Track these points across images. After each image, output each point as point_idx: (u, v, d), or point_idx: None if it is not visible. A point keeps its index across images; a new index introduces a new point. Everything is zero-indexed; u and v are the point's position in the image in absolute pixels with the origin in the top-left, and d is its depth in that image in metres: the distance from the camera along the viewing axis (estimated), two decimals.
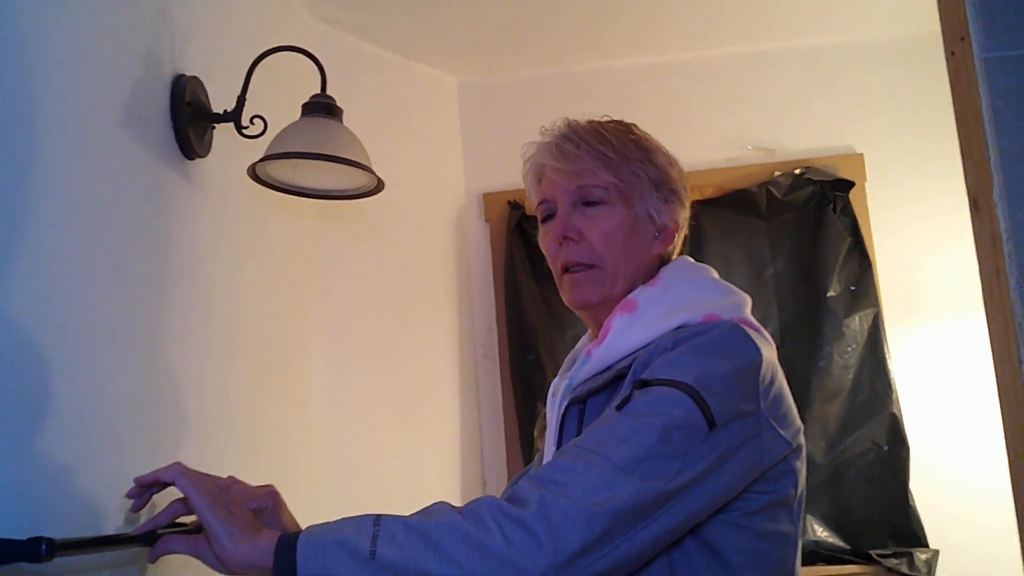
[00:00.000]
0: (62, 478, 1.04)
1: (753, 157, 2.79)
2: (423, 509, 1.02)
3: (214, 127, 1.56)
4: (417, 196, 2.69)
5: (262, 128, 1.54)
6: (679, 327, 1.16)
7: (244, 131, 1.53)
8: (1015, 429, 0.89)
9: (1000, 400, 0.91)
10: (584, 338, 1.38)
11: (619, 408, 1.06)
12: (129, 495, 1.13)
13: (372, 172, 1.49)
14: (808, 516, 2.52)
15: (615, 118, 1.32)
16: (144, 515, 1.17)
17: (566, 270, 1.26)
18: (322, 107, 1.48)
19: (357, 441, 2.38)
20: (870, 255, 2.63)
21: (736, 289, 1.25)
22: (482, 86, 2.92)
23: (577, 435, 1.13)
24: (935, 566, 2.44)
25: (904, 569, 2.41)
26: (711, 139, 2.80)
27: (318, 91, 1.51)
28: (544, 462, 1.23)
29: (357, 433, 2.39)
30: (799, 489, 1.16)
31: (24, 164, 1.00)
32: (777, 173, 2.72)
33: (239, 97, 1.52)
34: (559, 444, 1.20)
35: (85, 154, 1.15)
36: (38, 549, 0.88)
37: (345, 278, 2.44)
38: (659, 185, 1.26)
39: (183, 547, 1.08)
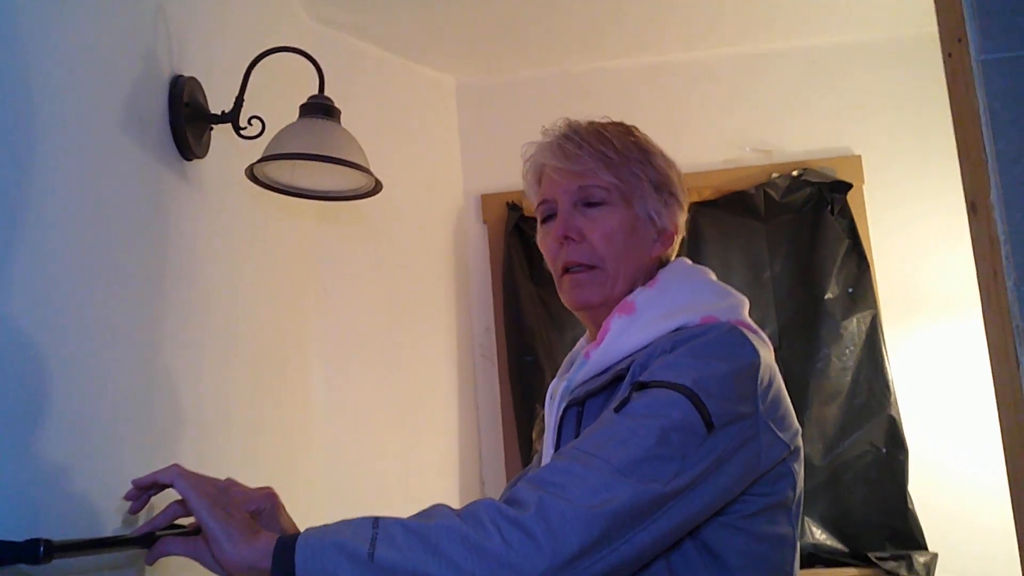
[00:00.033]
0: (60, 479, 1.04)
1: (751, 159, 2.79)
2: (422, 511, 1.02)
3: (212, 128, 1.56)
4: (415, 197, 2.69)
5: (260, 129, 1.54)
6: (677, 329, 1.16)
7: (242, 132, 1.53)
8: (1012, 430, 0.89)
9: (998, 401, 0.91)
10: (582, 340, 1.38)
11: (617, 410, 1.06)
12: (127, 497, 1.13)
13: (370, 173, 1.49)
14: (806, 518, 2.52)
15: (614, 119, 1.33)
16: (142, 517, 1.17)
17: (566, 270, 1.26)
18: (320, 108, 1.48)
19: (356, 442, 2.38)
20: (868, 257, 2.63)
21: (734, 291, 1.25)
22: (481, 87, 2.92)
23: (575, 437, 1.13)
24: (934, 569, 2.44)
25: (903, 572, 2.41)
26: (709, 140, 2.80)
27: (316, 92, 1.51)
28: (542, 464, 1.23)
29: (356, 434, 2.39)
30: (797, 491, 1.16)
31: (23, 164, 1.00)
32: (775, 175, 2.72)
33: (237, 98, 1.52)
34: (557, 446, 1.20)
35: (84, 154, 1.15)
36: (36, 551, 0.88)
37: (343, 279, 2.44)
38: (659, 187, 1.27)
39: (181, 549, 1.08)
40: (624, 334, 1.18)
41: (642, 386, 1.07)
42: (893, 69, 2.76)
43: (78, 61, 1.15)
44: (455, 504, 1.02)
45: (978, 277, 0.93)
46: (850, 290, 2.62)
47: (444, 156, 2.87)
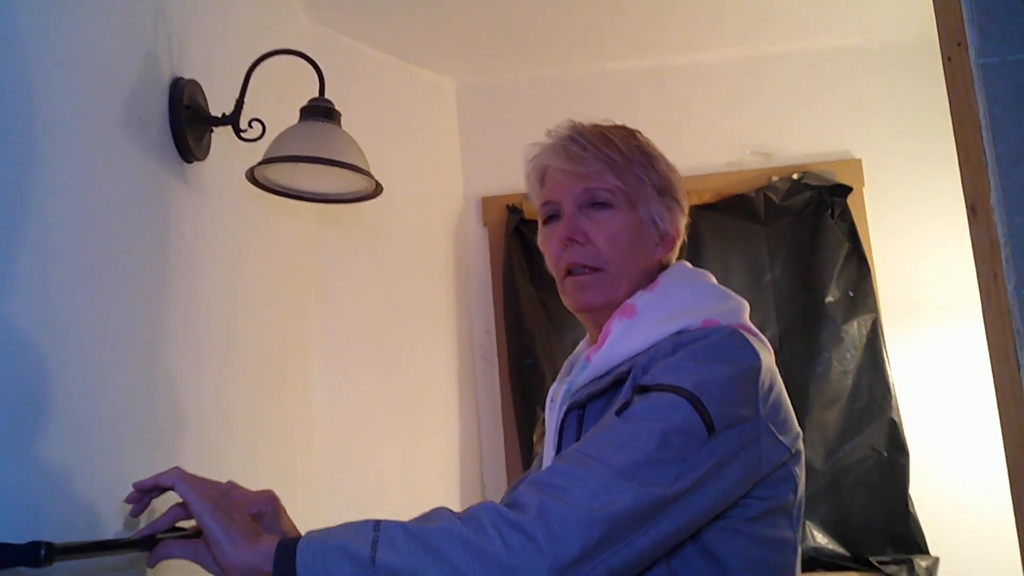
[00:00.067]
0: (61, 481, 1.04)
1: (751, 162, 2.79)
2: (423, 515, 1.02)
3: (212, 130, 1.56)
4: (416, 200, 2.69)
5: (260, 131, 1.54)
6: (678, 332, 1.16)
7: (242, 134, 1.53)
8: (1013, 433, 0.89)
9: (998, 404, 0.91)
10: (582, 343, 1.38)
11: (619, 413, 1.06)
12: (128, 500, 1.13)
13: (370, 176, 1.49)
14: (807, 522, 2.52)
15: (616, 122, 1.33)
16: (143, 519, 1.17)
17: (569, 272, 1.26)
18: (320, 111, 1.48)
19: (356, 444, 2.38)
20: (868, 260, 2.63)
21: (734, 294, 1.25)
22: (481, 89, 2.92)
23: (577, 440, 1.13)
24: (935, 573, 2.44)
25: None
26: (709, 143, 2.80)
27: (316, 94, 1.51)
28: (543, 467, 1.23)
29: (356, 436, 2.39)
30: (798, 495, 1.16)
31: (24, 166, 1.00)
32: (775, 178, 2.72)
33: (237, 100, 1.53)
34: (558, 449, 1.19)
35: (84, 156, 1.15)
36: (37, 553, 0.88)
37: (344, 281, 2.44)
38: (662, 191, 1.27)
39: (182, 552, 1.08)
40: (625, 337, 1.18)
41: (643, 389, 1.07)
42: (893, 72, 2.76)
43: (78, 63, 1.15)
44: (456, 507, 1.02)
45: (978, 280, 0.93)
46: (850, 293, 2.62)
47: (444, 159, 2.87)
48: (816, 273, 2.64)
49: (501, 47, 2.74)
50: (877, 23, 2.68)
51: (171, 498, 1.12)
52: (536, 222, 1.35)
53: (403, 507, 1.20)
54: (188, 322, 1.45)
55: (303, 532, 1.03)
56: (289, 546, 0.98)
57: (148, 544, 1.09)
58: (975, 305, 0.96)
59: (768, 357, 1.15)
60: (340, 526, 1.00)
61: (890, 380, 2.56)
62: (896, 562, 2.44)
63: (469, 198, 2.88)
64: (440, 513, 1.01)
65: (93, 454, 1.11)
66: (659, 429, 1.01)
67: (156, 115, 1.40)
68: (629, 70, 2.87)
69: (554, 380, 1.33)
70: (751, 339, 1.14)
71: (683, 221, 1.31)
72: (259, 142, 1.53)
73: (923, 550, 2.46)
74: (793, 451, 1.13)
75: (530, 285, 2.74)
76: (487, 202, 2.85)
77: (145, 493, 1.13)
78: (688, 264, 1.31)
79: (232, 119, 1.52)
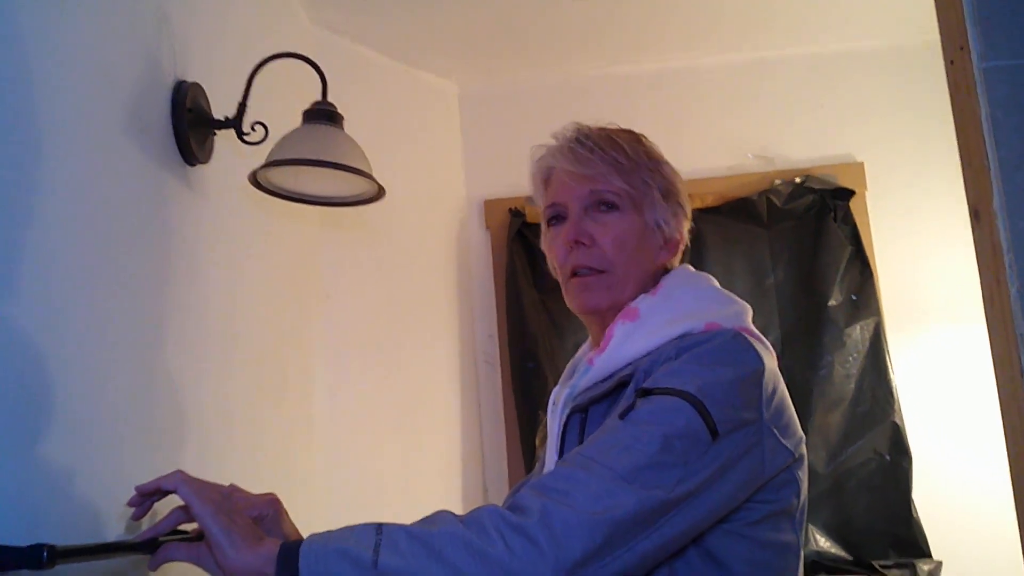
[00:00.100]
0: (63, 483, 1.04)
1: (754, 165, 2.79)
2: (425, 518, 1.02)
3: (215, 133, 1.56)
4: (418, 203, 2.69)
5: (263, 135, 1.54)
6: (681, 335, 1.15)
7: (245, 137, 1.54)
8: (1016, 437, 0.89)
9: (1002, 409, 0.91)
10: (584, 346, 1.37)
11: (622, 417, 1.06)
12: (130, 503, 1.13)
13: (373, 179, 1.49)
14: (810, 526, 2.51)
15: (620, 126, 1.33)
16: (145, 522, 1.17)
17: (574, 274, 1.26)
18: (323, 114, 1.49)
19: (357, 446, 2.38)
20: (871, 264, 2.63)
21: (737, 298, 1.25)
22: (483, 92, 2.93)
23: (579, 443, 1.13)
24: None
25: None
26: (711, 147, 2.80)
27: (319, 98, 1.51)
28: (545, 471, 1.22)
29: (358, 439, 2.38)
30: (801, 499, 1.16)
31: (25, 167, 1.00)
32: (777, 181, 2.72)
33: (240, 103, 1.53)
34: (561, 453, 1.19)
35: (87, 158, 1.15)
36: (39, 556, 0.88)
37: (346, 284, 2.44)
38: (667, 196, 1.27)
39: (184, 555, 1.08)
40: (628, 341, 1.18)
41: (646, 393, 1.07)
42: (895, 76, 2.76)
43: (81, 66, 1.15)
44: (457, 510, 1.02)
45: (981, 284, 0.93)
46: (853, 297, 2.62)
47: (447, 162, 2.87)
48: (819, 277, 2.64)
49: (503, 50, 2.74)
50: (879, 26, 2.68)
51: (173, 501, 1.12)
52: (539, 225, 1.35)
53: (404, 509, 1.20)
54: (189, 323, 1.45)
55: (304, 535, 1.03)
56: (291, 549, 0.98)
57: (150, 547, 1.09)
58: (978, 309, 0.95)
59: (771, 361, 1.15)
60: (342, 529, 1.00)
61: (892, 384, 2.56)
62: (899, 566, 2.43)
63: (471, 201, 2.88)
64: (442, 516, 1.01)
65: (94, 455, 1.11)
66: (662, 433, 1.01)
67: (159, 118, 1.40)
68: (631, 73, 2.87)
69: (556, 384, 1.33)
70: (754, 342, 1.14)
71: (686, 226, 1.31)
72: (262, 145, 1.53)
73: (926, 554, 2.46)
74: (796, 455, 1.13)
75: (532, 288, 2.74)
76: (489, 205, 2.86)
77: (147, 496, 1.13)
78: (691, 268, 1.31)
79: (235, 122, 1.53)
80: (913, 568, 2.41)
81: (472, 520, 0.98)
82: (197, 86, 1.50)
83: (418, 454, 2.56)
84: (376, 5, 2.40)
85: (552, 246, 1.29)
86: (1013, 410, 0.89)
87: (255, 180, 1.50)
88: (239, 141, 1.54)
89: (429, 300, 2.70)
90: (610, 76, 2.88)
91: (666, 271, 1.29)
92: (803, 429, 1.18)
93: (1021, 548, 0.92)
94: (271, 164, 1.45)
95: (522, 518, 0.97)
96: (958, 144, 0.95)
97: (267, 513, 1.18)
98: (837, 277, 2.62)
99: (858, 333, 2.60)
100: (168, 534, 1.12)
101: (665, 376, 1.08)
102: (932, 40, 1.08)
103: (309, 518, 1.34)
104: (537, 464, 1.41)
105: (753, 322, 1.23)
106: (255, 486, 1.23)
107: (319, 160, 1.43)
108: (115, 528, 1.14)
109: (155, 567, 1.10)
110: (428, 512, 1.04)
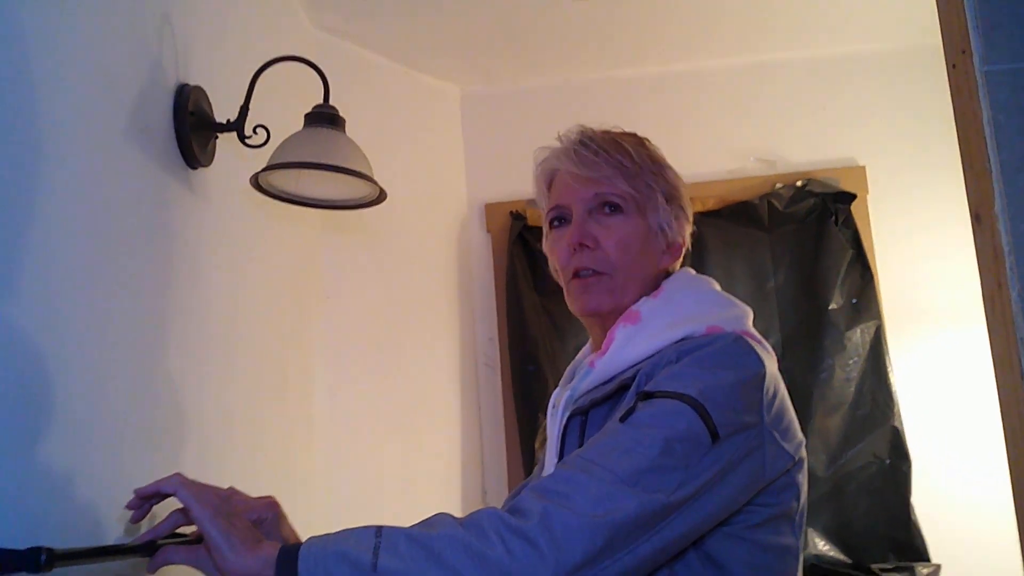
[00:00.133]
0: (61, 484, 1.04)
1: (755, 169, 2.79)
2: (424, 520, 1.02)
3: (217, 136, 1.56)
4: (419, 206, 2.69)
5: (265, 138, 1.54)
6: (682, 339, 1.15)
7: (247, 140, 1.54)
8: (1016, 441, 0.89)
9: (1002, 413, 0.91)
10: (585, 349, 1.37)
11: (623, 420, 1.06)
12: (129, 506, 1.13)
13: (374, 182, 1.49)
14: (809, 529, 2.51)
15: (623, 130, 1.33)
16: (144, 525, 1.16)
17: (575, 275, 1.26)
18: (325, 117, 1.49)
19: (358, 449, 2.38)
20: (872, 267, 2.63)
21: (738, 301, 1.25)
22: (484, 96, 2.93)
23: (579, 446, 1.13)
24: None
25: None
26: (713, 150, 2.80)
27: (321, 101, 1.51)
28: (544, 473, 1.22)
29: (358, 442, 2.38)
30: (801, 502, 1.16)
31: (25, 167, 1.00)
32: (779, 185, 2.72)
33: (242, 107, 1.53)
34: (561, 456, 1.19)
35: (89, 161, 1.15)
36: (38, 559, 0.88)
37: (346, 287, 2.44)
38: (670, 199, 1.27)
39: (183, 558, 1.08)
40: (629, 344, 1.18)
41: (647, 396, 1.07)
42: (897, 80, 2.76)
43: (82, 68, 1.15)
44: (457, 513, 1.02)
45: (982, 288, 0.93)
46: (854, 301, 2.62)
47: (448, 165, 2.87)
48: (820, 280, 2.64)
49: (505, 53, 2.75)
50: (880, 29, 2.69)
51: (172, 503, 1.12)
52: (540, 228, 1.35)
53: (403, 512, 1.20)
54: (190, 325, 1.45)
55: (303, 537, 1.03)
56: (291, 552, 0.97)
57: (149, 550, 1.09)
58: (979, 313, 0.95)
59: (772, 364, 1.15)
60: (341, 532, 1.00)
61: (893, 387, 2.56)
62: (898, 569, 2.43)
63: (473, 204, 2.88)
64: (441, 519, 1.01)
65: (94, 456, 1.11)
66: (663, 436, 1.01)
67: (161, 121, 1.40)
68: (632, 77, 2.87)
69: (556, 386, 1.33)
70: (755, 346, 1.14)
71: (689, 229, 1.31)
72: (264, 148, 1.53)
73: (924, 557, 2.46)
74: (796, 458, 1.13)
75: (533, 291, 2.74)
76: (491, 208, 2.86)
77: (146, 499, 1.13)
78: (692, 271, 1.30)
79: (237, 125, 1.53)
80: (912, 572, 2.41)
81: (472, 523, 0.98)
82: (199, 89, 1.51)
83: (418, 456, 2.56)
84: (378, 8, 2.40)
85: (555, 248, 1.29)
86: (1013, 414, 0.89)
87: (257, 183, 1.50)
88: (241, 144, 1.54)
89: (430, 303, 2.70)
90: (611, 80, 2.88)
91: (667, 274, 1.29)
92: (803, 432, 1.18)
93: (1020, 552, 0.92)
94: (273, 167, 1.45)
95: (522, 521, 0.96)
96: (959, 147, 0.95)
97: (266, 516, 1.18)
98: (838, 281, 2.62)
99: (858, 337, 2.60)
100: (167, 537, 1.12)
101: (666, 379, 1.08)
102: (933, 43, 1.08)
103: (309, 520, 1.34)
104: (536, 467, 1.41)
105: (754, 325, 1.23)
106: (255, 488, 1.23)
107: (321, 163, 1.43)
108: (114, 530, 1.13)
109: (154, 570, 1.10)
110: (427, 514, 1.04)
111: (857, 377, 2.58)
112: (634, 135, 1.31)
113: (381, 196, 1.55)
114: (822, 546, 2.52)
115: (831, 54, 2.80)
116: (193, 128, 1.46)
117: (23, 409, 0.97)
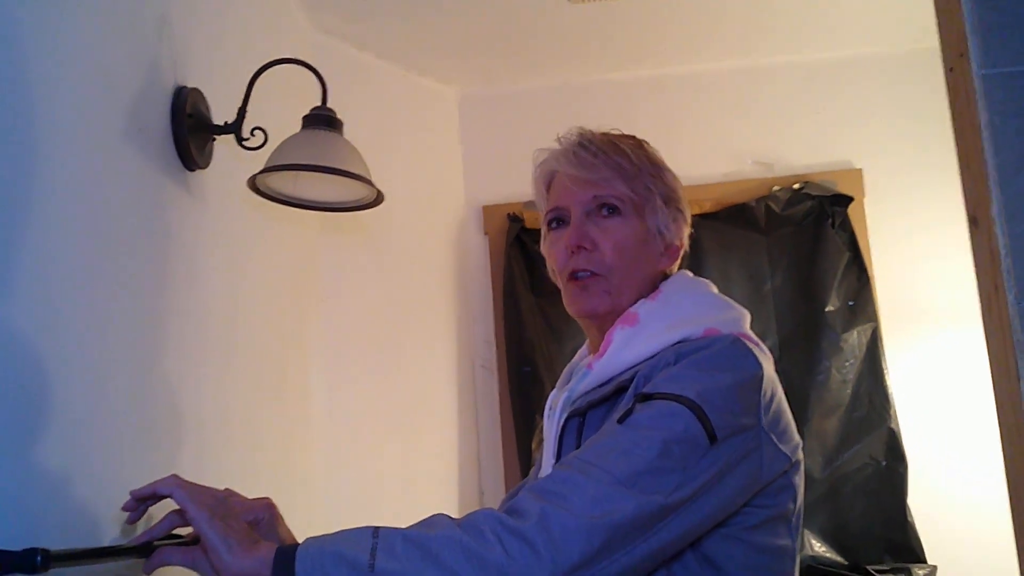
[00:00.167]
0: (59, 485, 1.04)
1: (752, 171, 2.80)
2: (421, 521, 1.02)
3: (215, 138, 1.56)
4: (417, 208, 2.69)
5: (263, 140, 1.54)
6: (680, 341, 1.16)
7: (245, 143, 1.54)
8: (1013, 443, 0.89)
9: (998, 415, 0.91)
10: (582, 350, 1.37)
11: (621, 421, 1.06)
12: (125, 508, 1.13)
13: (372, 184, 1.49)
14: (806, 531, 2.52)
15: (622, 132, 1.33)
16: (141, 526, 1.16)
17: (573, 277, 1.26)
18: (323, 119, 1.49)
19: (356, 450, 2.38)
20: (868, 270, 2.64)
21: (735, 303, 1.25)
22: (482, 98, 2.93)
23: (576, 448, 1.13)
24: None
25: None
26: (710, 153, 2.81)
27: (319, 103, 1.51)
28: (541, 475, 1.22)
29: (356, 442, 2.38)
30: (798, 504, 1.16)
31: (24, 168, 1.00)
32: (776, 188, 2.73)
33: (240, 109, 1.53)
34: (558, 457, 1.19)
35: (87, 163, 1.15)
36: (34, 560, 0.88)
37: (344, 289, 2.44)
38: (668, 202, 1.27)
39: (180, 559, 1.08)
40: (627, 346, 1.18)
41: (645, 398, 1.07)
42: (894, 82, 2.77)
43: (81, 69, 1.15)
44: (454, 513, 1.02)
45: (979, 290, 0.93)
46: (851, 303, 2.62)
47: (446, 167, 2.88)
48: (816, 282, 2.64)
49: (503, 56, 2.75)
50: (877, 33, 2.69)
51: (168, 504, 1.12)
52: (537, 231, 1.35)
53: (401, 512, 1.20)
54: (188, 327, 1.45)
55: (300, 538, 1.03)
56: (288, 553, 0.97)
57: (146, 551, 1.08)
58: (975, 315, 0.96)
59: (769, 366, 1.15)
60: (338, 533, 1.00)
61: (889, 389, 2.56)
62: (894, 571, 2.44)
63: (470, 207, 2.88)
64: (439, 520, 1.01)
65: (92, 456, 1.11)
66: (661, 438, 1.01)
67: (159, 123, 1.40)
68: (630, 80, 2.88)
69: (553, 388, 1.33)
70: (753, 348, 1.14)
71: (687, 232, 1.31)
72: (261, 150, 1.53)
73: (921, 559, 2.46)
74: (793, 460, 1.13)
75: (530, 294, 2.74)
76: (488, 211, 2.86)
77: (142, 501, 1.13)
78: (689, 273, 1.31)
79: (234, 127, 1.53)
80: (908, 573, 2.42)
81: (469, 524, 0.98)
82: (197, 91, 1.51)
83: (415, 457, 2.56)
84: (376, 10, 2.40)
85: (552, 250, 1.29)
86: (1010, 416, 0.89)
87: (254, 185, 1.50)
88: (239, 146, 1.54)
89: (427, 305, 2.71)
90: (609, 82, 2.88)
91: (665, 277, 1.29)
92: (800, 434, 1.18)
93: (1017, 553, 0.92)
94: (270, 169, 1.45)
95: (520, 522, 0.97)
96: (957, 150, 0.95)
97: (262, 517, 1.18)
98: (835, 283, 2.62)
99: (855, 339, 2.60)
100: (163, 538, 1.12)
101: (664, 381, 1.08)
102: (930, 47, 1.08)
103: (307, 520, 1.34)
104: (533, 468, 1.41)
105: (751, 327, 1.23)
106: (253, 488, 1.23)
107: (318, 165, 1.43)
108: (112, 531, 1.13)
109: (150, 571, 1.10)
110: (425, 514, 1.04)
111: (854, 379, 2.59)
112: (633, 137, 1.31)
113: (379, 198, 1.55)
114: (818, 547, 2.52)
115: (828, 57, 2.81)
116: (191, 130, 1.46)
117: (21, 409, 0.97)
